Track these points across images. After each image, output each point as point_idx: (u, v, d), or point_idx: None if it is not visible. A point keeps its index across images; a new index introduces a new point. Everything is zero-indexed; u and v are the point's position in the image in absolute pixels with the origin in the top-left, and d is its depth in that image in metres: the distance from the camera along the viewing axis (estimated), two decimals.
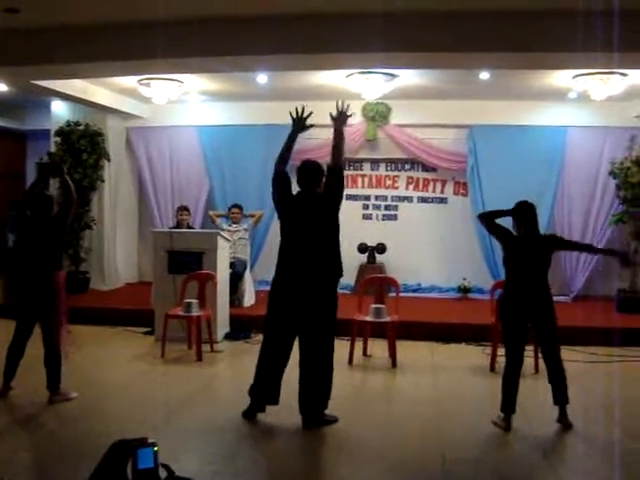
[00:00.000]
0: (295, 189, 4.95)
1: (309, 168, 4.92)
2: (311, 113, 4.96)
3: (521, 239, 4.89)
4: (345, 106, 4.94)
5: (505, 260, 4.99)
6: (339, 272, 4.88)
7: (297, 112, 4.97)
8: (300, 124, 4.99)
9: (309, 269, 4.75)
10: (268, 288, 5.02)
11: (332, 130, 4.94)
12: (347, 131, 9.78)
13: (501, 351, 5.36)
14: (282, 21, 5.91)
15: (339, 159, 4.90)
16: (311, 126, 5.01)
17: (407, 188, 10.36)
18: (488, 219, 5.09)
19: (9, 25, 6.05)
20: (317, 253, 4.76)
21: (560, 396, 4.76)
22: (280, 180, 4.92)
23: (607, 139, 9.32)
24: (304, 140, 9.90)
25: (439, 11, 5.68)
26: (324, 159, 9.34)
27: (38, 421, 4.88)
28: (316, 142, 9.96)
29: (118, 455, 1.84)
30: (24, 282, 5.34)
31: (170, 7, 5.64)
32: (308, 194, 4.87)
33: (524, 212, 4.91)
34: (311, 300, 4.75)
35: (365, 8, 5.62)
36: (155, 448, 1.86)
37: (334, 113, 4.96)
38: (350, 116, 5.02)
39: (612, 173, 8.74)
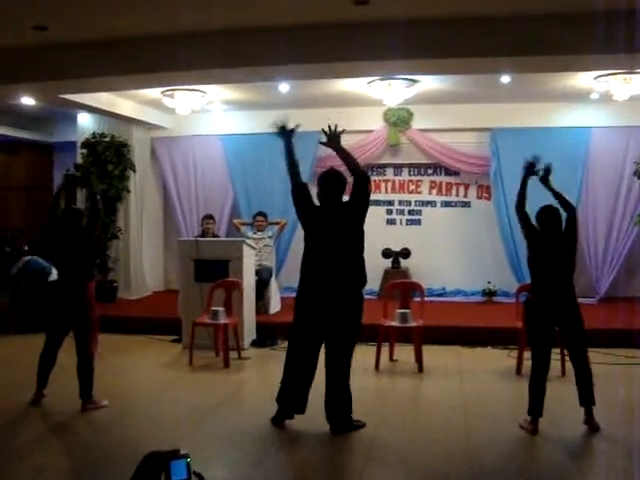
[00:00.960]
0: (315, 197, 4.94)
1: (331, 178, 4.89)
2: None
3: (545, 240, 4.89)
4: (334, 127, 4.86)
5: (530, 261, 5.00)
6: (363, 281, 4.88)
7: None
8: (284, 133, 4.91)
9: (335, 280, 4.75)
10: (294, 295, 5.05)
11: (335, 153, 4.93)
12: (369, 137, 9.95)
13: (527, 354, 5.35)
14: (303, 31, 5.98)
15: (359, 169, 4.86)
16: (292, 132, 4.94)
17: (430, 192, 10.37)
18: (520, 208, 5.05)
19: (37, 42, 6.20)
20: (343, 264, 4.76)
21: (586, 397, 4.75)
22: (299, 193, 4.90)
23: (631, 139, 9.28)
24: (326, 147, 10.00)
25: (460, 16, 5.70)
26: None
27: (72, 428, 4.98)
28: None
29: (151, 467, 1.89)
30: (57, 293, 5.47)
31: (193, 20, 5.74)
32: (332, 204, 4.85)
33: (547, 217, 4.90)
34: (337, 309, 4.77)
35: (385, 16, 5.66)
36: (188, 459, 1.91)
37: (323, 139, 4.91)
38: (342, 132, 4.88)
39: (637, 173, 8.68)
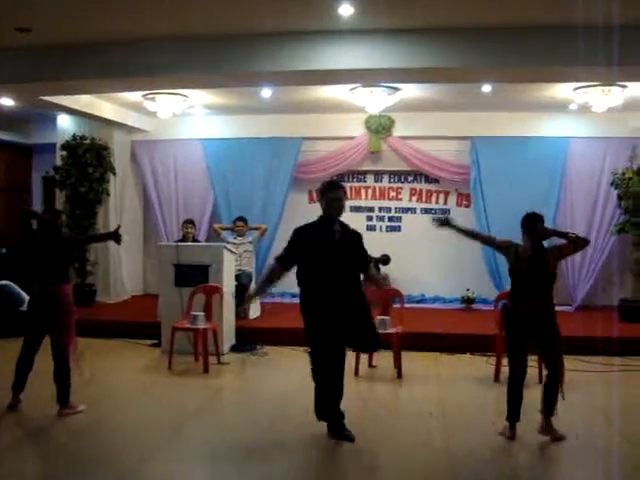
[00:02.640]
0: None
1: (340, 191, 4.81)
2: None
3: (525, 251, 4.89)
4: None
5: (510, 270, 5.02)
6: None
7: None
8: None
9: (344, 292, 4.71)
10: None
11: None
12: (350, 143, 10.03)
13: (505, 361, 5.40)
14: (286, 37, 6.02)
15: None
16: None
17: (410, 199, 10.44)
18: (481, 241, 5.49)
19: (20, 43, 6.17)
20: (348, 275, 4.75)
21: (547, 407, 4.74)
22: (294, 260, 4.81)
23: (608, 150, 9.41)
24: (307, 153, 10.06)
25: (442, 27, 5.77)
26: (326, 172, 9.48)
27: (48, 434, 4.92)
28: (318, 155, 10.08)
29: None
30: (33, 296, 5.41)
31: (175, 25, 5.74)
32: (335, 219, 4.78)
33: (531, 224, 4.91)
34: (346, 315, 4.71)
35: (367, 25, 5.71)
36: None
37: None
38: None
39: (614, 183, 8.80)
